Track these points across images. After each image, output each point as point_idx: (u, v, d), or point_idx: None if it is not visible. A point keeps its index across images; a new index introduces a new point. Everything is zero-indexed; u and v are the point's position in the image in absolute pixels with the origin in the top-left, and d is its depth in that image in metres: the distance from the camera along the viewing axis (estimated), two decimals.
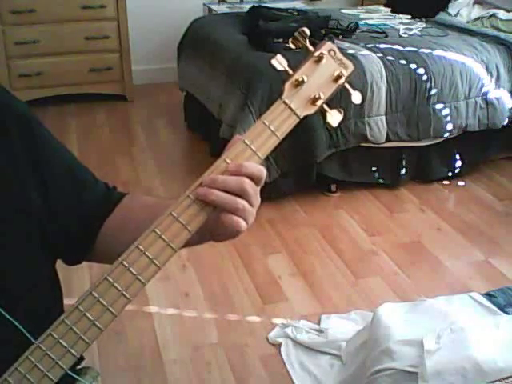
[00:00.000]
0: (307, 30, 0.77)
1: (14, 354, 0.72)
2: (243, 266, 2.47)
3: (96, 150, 3.44)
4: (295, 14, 3.35)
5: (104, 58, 4.05)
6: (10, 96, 0.88)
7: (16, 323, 0.74)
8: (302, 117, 0.77)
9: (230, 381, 1.93)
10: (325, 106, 0.79)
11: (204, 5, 4.42)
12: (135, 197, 0.97)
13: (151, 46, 4.46)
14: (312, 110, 0.78)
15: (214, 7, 4.29)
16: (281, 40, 2.94)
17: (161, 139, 3.69)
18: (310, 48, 0.79)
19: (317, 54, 0.78)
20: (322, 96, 0.78)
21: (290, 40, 0.79)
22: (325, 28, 3.12)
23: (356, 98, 0.81)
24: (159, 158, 3.43)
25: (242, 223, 0.74)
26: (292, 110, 0.77)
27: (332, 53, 0.79)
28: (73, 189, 0.90)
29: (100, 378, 0.81)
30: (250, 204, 0.75)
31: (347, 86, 0.80)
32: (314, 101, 0.78)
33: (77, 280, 2.33)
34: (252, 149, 0.75)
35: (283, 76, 0.79)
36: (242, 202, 0.74)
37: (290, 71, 0.78)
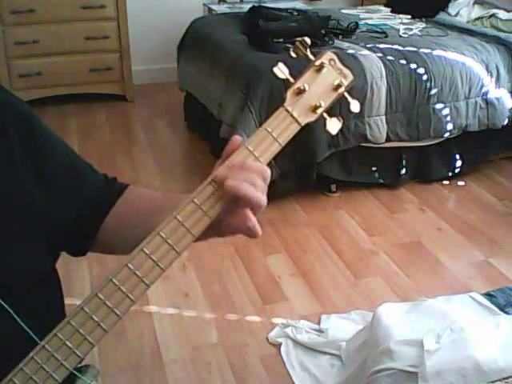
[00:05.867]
0: (308, 40, 0.79)
1: (14, 352, 0.72)
2: (243, 266, 2.47)
3: (96, 150, 3.44)
4: (295, 13, 3.35)
5: (104, 58, 4.05)
6: (11, 95, 0.88)
7: (21, 323, 0.74)
8: (303, 124, 0.79)
9: (230, 381, 1.93)
10: (325, 114, 0.81)
11: (204, 5, 4.41)
12: (136, 189, 0.97)
13: (151, 45, 4.46)
14: (313, 117, 0.80)
15: (214, 7, 4.29)
16: (281, 40, 2.94)
17: (161, 139, 3.69)
18: (311, 57, 0.81)
19: (317, 63, 0.80)
20: (323, 104, 0.80)
21: (291, 49, 0.81)
22: (325, 28, 3.12)
23: (355, 107, 0.83)
24: (159, 157, 3.43)
25: (258, 228, 0.76)
26: (294, 117, 0.78)
27: (332, 62, 0.81)
28: (73, 185, 0.91)
29: (100, 377, 0.81)
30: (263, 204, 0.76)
31: (346, 94, 0.82)
32: (314, 109, 0.80)
33: (77, 280, 2.33)
34: (255, 155, 0.76)
35: (286, 84, 0.80)
36: (262, 198, 0.74)
37: (292, 79, 0.80)
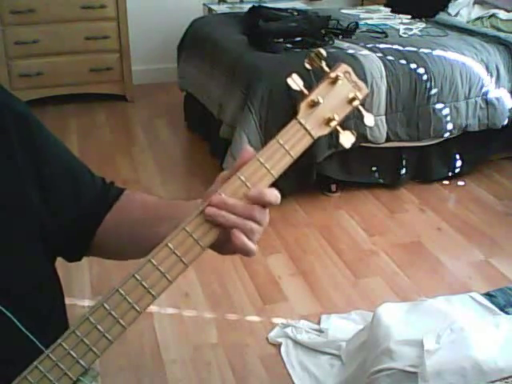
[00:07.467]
0: (324, 52, 0.78)
1: (14, 355, 0.72)
2: (243, 266, 2.47)
3: (96, 150, 3.44)
4: (295, 13, 3.35)
5: (104, 58, 4.06)
6: (9, 95, 0.88)
7: (22, 328, 0.73)
8: (316, 137, 0.78)
9: (230, 381, 1.93)
10: (338, 127, 0.80)
11: (204, 5, 4.41)
12: (133, 194, 0.97)
13: (151, 45, 4.47)
14: (326, 130, 0.78)
15: (214, 7, 4.29)
16: (281, 40, 2.93)
17: (161, 139, 3.69)
18: (326, 69, 0.79)
19: (333, 75, 0.78)
20: (337, 117, 0.78)
21: (305, 60, 0.79)
22: (325, 28, 3.12)
23: (369, 120, 0.81)
24: (159, 158, 3.43)
25: (251, 245, 0.75)
26: (307, 130, 0.77)
27: (347, 75, 0.79)
28: (71, 188, 0.90)
29: (100, 378, 0.80)
30: (259, 225, 0.75)
31: (361, 108, 0.81)
32: (328, 122, 0.78)
33: (77, 280, 2.33)
34: (266, 167, 0.75)
35: (295, 93, 0.79)
36: (250, 224, 0.74)
37: (306, 91, 0.78)
